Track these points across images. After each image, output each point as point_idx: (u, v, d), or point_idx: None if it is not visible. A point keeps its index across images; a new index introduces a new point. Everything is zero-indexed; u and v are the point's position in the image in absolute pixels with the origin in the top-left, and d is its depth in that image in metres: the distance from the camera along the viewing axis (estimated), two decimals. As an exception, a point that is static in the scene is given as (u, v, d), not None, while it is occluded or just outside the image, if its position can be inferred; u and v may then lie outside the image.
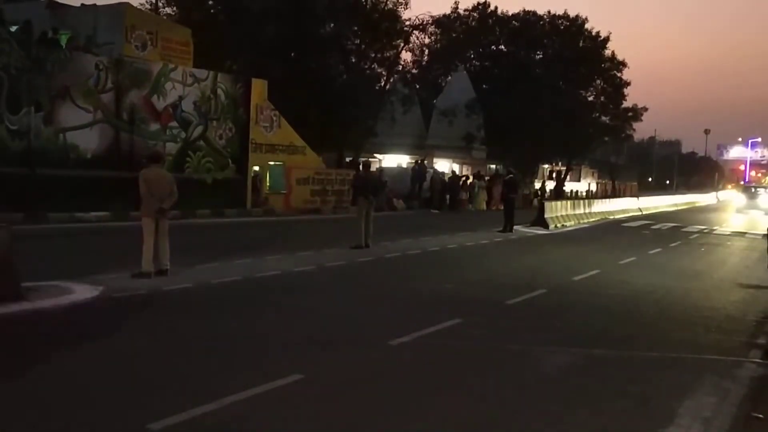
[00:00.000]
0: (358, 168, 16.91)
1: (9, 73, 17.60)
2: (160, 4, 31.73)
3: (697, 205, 53.30)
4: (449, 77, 45.68)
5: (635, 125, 53.30)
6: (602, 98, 50.40)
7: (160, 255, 10.24)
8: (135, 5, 24.22)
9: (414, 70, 40.52)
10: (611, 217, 30.05)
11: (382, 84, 36.63)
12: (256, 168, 24.71)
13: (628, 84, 49.98)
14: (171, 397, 5.18)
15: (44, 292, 8.52)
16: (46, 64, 18.44)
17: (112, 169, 19.53)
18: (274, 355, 6.55)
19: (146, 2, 31.21)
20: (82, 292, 8.75)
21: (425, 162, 36.13)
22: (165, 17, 29.61)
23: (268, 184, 24.99)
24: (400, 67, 38.14)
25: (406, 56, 38.66)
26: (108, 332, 7.23)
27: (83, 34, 21.06)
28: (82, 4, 22.76)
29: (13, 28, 19.16)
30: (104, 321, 7.73)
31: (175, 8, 31.94)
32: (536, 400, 5.61)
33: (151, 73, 21.16)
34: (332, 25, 33.12)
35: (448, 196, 31.91)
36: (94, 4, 22.25)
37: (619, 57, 49.10)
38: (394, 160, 40.66)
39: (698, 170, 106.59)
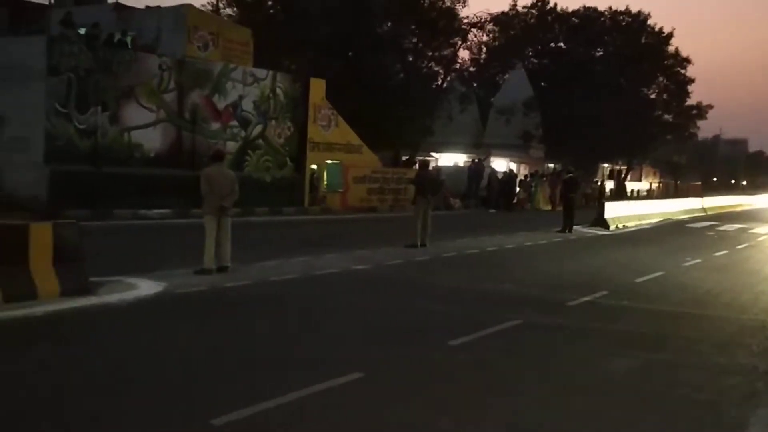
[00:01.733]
0: (422, 166, 16.87)
1: (78, 74, 18.15)
2: (221, 5, 32.33)
3: (764, 206, 51.50)
4: (507, 75, 45.27)
5: (699, 123, 51.93)
6: (665, 96, 49.22)
7: (221, 252, 10.41)
8: (197, 6, 24.66)
9: (471, 69, 40.29)
10: (674, 217, 29.29)
11: (439, 82, 36.52)
12: (314, 166, 24.92)
13: (692, 81, 48.76)
14: (232, 393, 5.24)
15: (110, 287, 8.76)
16: (112, 65, 18.96)
17: (175, 167, 19.98)
18: (334, 352, 6.57)
19: (208, 3, 31.86)
20: (147, 287, 8.96)
21: (482, 161, 35.86)
22: (226, 18, 30.11)
23: (325, 182, 25.18)
24: (458, 65, 37.98)
25: (463, 54, 38.51)
26: (171, 327, 7.37)
27: (148, 36, 21.59)
28: (147, 6, 23.40)
29: (82, 31, 19.77)
30: (167, 316, 7.89)
31: (235, 9, 32.47)
32: (601, 405, 5.49)
33: (213, 73, 21.56)
34: (389, 24, 33.18)
35: (505, 195, 31.60)
36: (158, 6, 22.84)
37: (683, 53, 47.94)
38: (451, 159, 40.51)
39: (766, 170, 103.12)
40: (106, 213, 17.16)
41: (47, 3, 24.77)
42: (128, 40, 20.60)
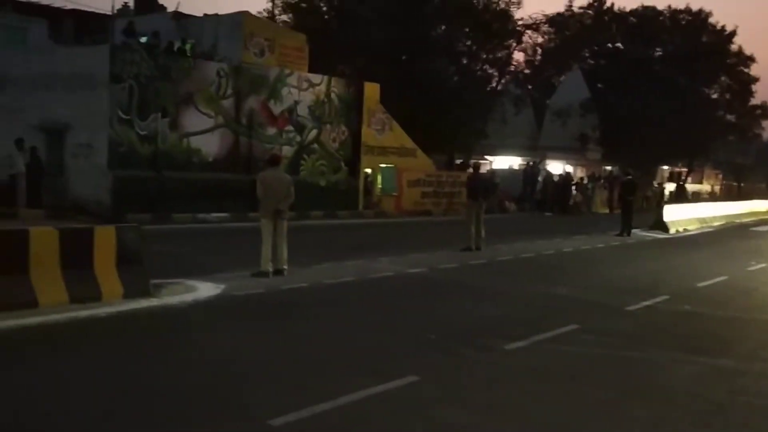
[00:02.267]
0: (474, 169, 16.79)
1: (139, 81, 18.64)
2: (277, 12, 32.76)
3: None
4: (563, 77, 44.63)
5: (764, 124, 50.23)
6: (727, 95, 47.79)
7: (277, 255, 10.53)
8: (253, 13, 25.06)
9: (526, 71, 39.86)
10: (737, 220, 28.43)
11: (494, 85, 36.25)
12: (368, 170, 25.02)
13: (756, 80, 47.18)
14: (289, 395, 5.30)
15: (170, 289, 8.95)
16: (172, 72, 19.41)
17: (232, 171, 20.32)
18: (389, 355, 6.58)
19: (263, 10, 32.33)
20: (206, 289, 9.14)
21: (537, 163, 35.45)
22: (281, 24, 30.51)
23: (379, 186, 25.25)
24: (512, 67, 37.62)
25: (518, 56, 38.11)
26: (229, 329, 7.50)
27: (205, 43, 22.03)
28: (205, 14, 23.85)
29: (143, 39, 20.30)
30: (225, 318, 8.02)
31: (290, 15, 32.86)
32: (663, 412, 5.36)
33: (269, 78, 21.85)
34: (443, 27, 33.10)
35: (560, 199, 31.16)
36: (216, 14, 23.24)
37: (747, 51, 46.44)
38: (506, 162, 40.14)
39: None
40: (165, 217, 17.55)
41: (110, 13, 25.50)
42: (188, 47, 21.05)
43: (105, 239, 8.35)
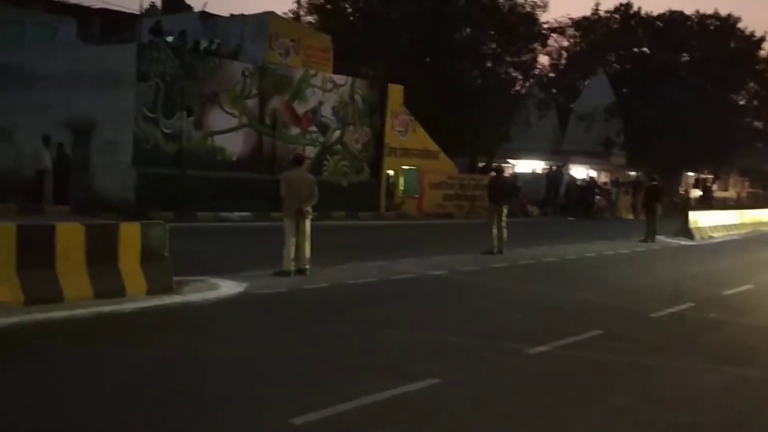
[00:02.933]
0: (496, 173, 16.73)
1: (165, 80, 18.79)
2: (302, 13, 32.88)
3: None
4: (588, 81, 44.32)
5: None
6: (755, 102, 47.17)
7: (300, 255, 10.55)
8: (279, 14, 25.15)
9: (551, 74, 39.66)
10: (764, 228, 28.02)
11: (518, 88, 36.10)
12: (391, 172, 25.01)
13: (785, 86, 46.51)
14: (311, 394, 5.30)
15: (194, 287, 9.01)
16: (198, 72, 19.54)
17: (255, 171, 20.41)
18: (411, 357, 6.56)
19: (289, 11, 32.46)
20: (228, 287, 9.18)
21: (561, 167, 35.22)
22: (306, 25, 30.61)
23: (401, 188, 25.22)
24: (537, 71, 37.46)
25: (543, 60, 37.94)
26: (251, 327, 7.53)
27: (231, 42, 22.16)
28: (231, 14, 23.99)
29: (170, 39, 20.46)
30: (248, 316, 8.05)
31: (315, 16, 32.96)
32: (688, 421, 5.29)
33: (293, 79, 21.93)
34: (468, 29, 33.02)
35: (584, 204, 30.94)
36: (242, 14, 23.36)
37: (776, 58, 45.79)
38: (529, 166, 39.93)
39: None
40: (189, 215, 17.66)
41: (138, 13, 25.77)
42: (214, 47, 21.19)
43: (130, 236, 8.42)
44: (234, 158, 20.45)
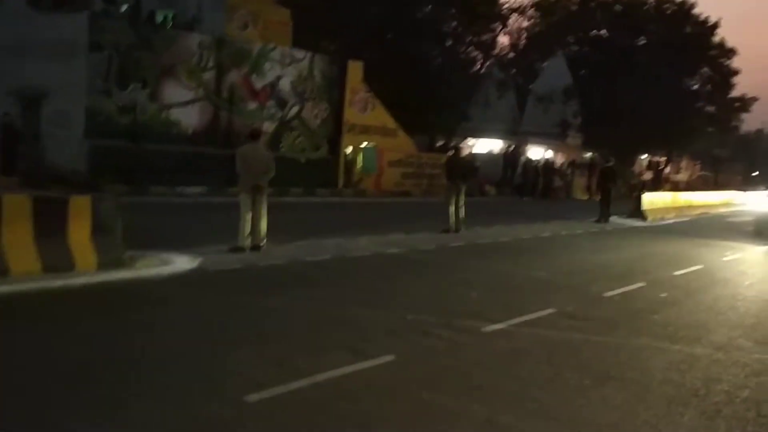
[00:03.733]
0: (453, 152, 16.75)
1: (119, 51, 18.31)
2: (261, -15, 32.24)
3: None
4: (546, 62, 44.61)
5: (743, 116, 50.69)
6: (708, 87, 48.14)
7: (256, 231, 10.43)
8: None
9: (510, 55, 39.80)
10: (713, 210, 28.71)
11: (478, 68, 36.16)
12: (349, 149, 24.88)
13: (737, 72, 47.58)
14: (264, 372, 5.23)
15: (146, 262, 8.84)
16: (153, 43, 19.08)
17: (212, 145, 20.10)
18: (367, 335, 6.53)
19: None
20: (182, 263, 9.03)
21: (518, 148, 35.48)
22: (265, -2, 30.05)
23: (360, 165, 25.14)
24: (497, 51, 37.55)
25: (503, 40, 38.03)
26: (204, 303, 7.40)
27: (188, 14, 21.68)
28: (188, -15, 23.41)
29: (123, 8, 19.92)
30: (201, 292, 7.92)
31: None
32: (639, 398, 5.37)
33: (251, 52, 21.60)
34: (429, 7, 32.88)
35: (540, 184, 31.27)
36: (199, -16, 22.83)
37: (729, 44, 46.73)
38: (487, 146, 40.16)
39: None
40: (143, 189, 17.33)
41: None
42: (169, 17, 20.69)
43: (80, 209, 8.20)
44: (190, 132, 20.13)
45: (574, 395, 5.33)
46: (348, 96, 24.60)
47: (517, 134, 40.89)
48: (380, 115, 25.90)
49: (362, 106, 25.18)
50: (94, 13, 19.04)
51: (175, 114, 19.72)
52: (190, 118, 20.09)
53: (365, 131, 25.34)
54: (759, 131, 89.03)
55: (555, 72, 42.20)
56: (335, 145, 24.35)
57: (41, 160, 18.08)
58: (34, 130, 18.54)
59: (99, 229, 8.30)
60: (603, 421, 4.88)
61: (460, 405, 4.92)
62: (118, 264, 8.35)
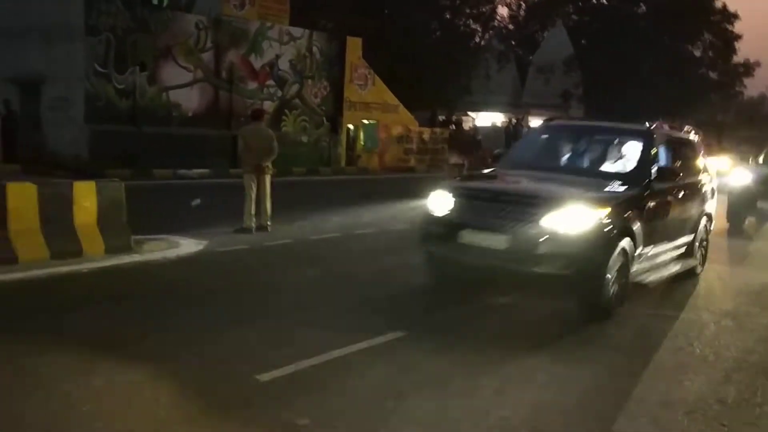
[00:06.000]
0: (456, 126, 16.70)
1: (116, 34, 18.19)
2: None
3: None
4: (546, 33, 44.29)
5: (746, 81, 50.30)
6: (710, 53, 47.69)
7: (260, 211, 10.43)
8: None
9: (510, 26, 39.51)
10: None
11: (477, 41, 35.93)
12: (350, 126, 24.80)
13: (739, 37, 47.07)
14: (276, 350, 5.26)
15: (153, 246, 8.84)
16: (150, 25, 18.95)
17: (213, 127, 20.03)
18: (375, 311, 6.55)
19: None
20: (188, 245, 9.04)
21: (520, 120, 35.35)
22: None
23: (361, 142, 25.06)
24: (496, 22, 37.27)
25: (502, 11, 37.74)
26: (213, 285, 7.42)
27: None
28: (183, -36, 23.22)
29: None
30: (209, 274, 7.95)
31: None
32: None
33: (249, 32, 21.45)
34: (427, -20, 32.59)
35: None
36: (194, -36, 22.62)
37: (731, 8, 46.21)
38: (489, 119, 40.03)
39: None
40: (145, 172, 17.30)
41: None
42: (166, -1, 20.56)
43: (85, 194, 8.19)
44: (190, 114, 20.05)
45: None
46: (347, 73, 24.46)
47: (519, 107, 40.74)
48: (381, 92, 25.77)
49: (362, 83, 25.06)
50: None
51: (175, 96, 19.61)
52: (189, 100, 19.99)
53: (366, 108, 25.23)
54: (762, 96, 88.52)
55: (555, 42, 41.93)
56: (336, 123, 24.27)
57: (43, 146, 18.06)
58: (35, 117, 18.50)
59: (105, 215, 8.29)
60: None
61: (459, 373, 4.94)
62: (126, 248, 8.35)
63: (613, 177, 7.25)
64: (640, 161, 7.44)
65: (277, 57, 22.20)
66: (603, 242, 6.28)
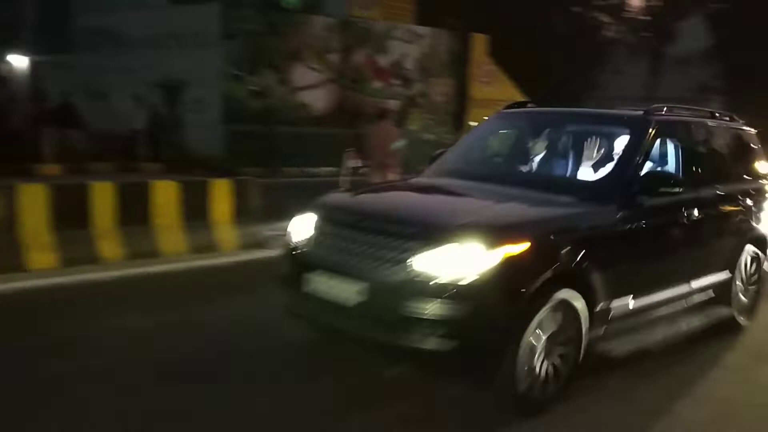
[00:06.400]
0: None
1: (249, 37, 18.96)
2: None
3: None
4: (683, 23, 42.11)
5: None
6: None
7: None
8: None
9: (643, 17, 37.86)
10: None
11: (607, 33, 34.68)
12: (473, 123, 24.62)
13: None
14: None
15: (283, 241, 9.10)
16: (281, 28, 19.62)
17: (339, 126, 20.47)
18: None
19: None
20: (319, 241, 9.23)
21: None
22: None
23: (485, 139, 24.80)
24: (628, 14, 35.81)
25: (634, 1, 36.23)
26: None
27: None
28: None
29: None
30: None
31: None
32: None
33: (375, 32, 21.74)
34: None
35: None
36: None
37: None
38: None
39: None
40: (276, 171, 17.90)
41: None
42: (294, 1, 21.14)
43: (222, 192, 8.60)
44: (318, 114, 20.56)
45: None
46: (473, 70, 24.30)
47: (654, 101, 39.00)
48: (506, 88, 25.38)
49: (487, 80, 24.81)
50: (225, 3, 19.79)
51: (304, 97, 20.21)
52: (318, 100, 20.53)
53: (491, 105, 24.92)
54: None
55: (692, 33, 39.80)
56: (461, 121, 24.16)
57: (183, 146, 19.10)
58: (175, 119, 19.61)
59: (239, 211, 8.68)
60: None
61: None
62: (259, 244, 8.70)
63: (570, 188, 5.18)
64: (616, 164, 5.19)
65: (403, 56, 22.37)
66: (511, 296, 4.01)
